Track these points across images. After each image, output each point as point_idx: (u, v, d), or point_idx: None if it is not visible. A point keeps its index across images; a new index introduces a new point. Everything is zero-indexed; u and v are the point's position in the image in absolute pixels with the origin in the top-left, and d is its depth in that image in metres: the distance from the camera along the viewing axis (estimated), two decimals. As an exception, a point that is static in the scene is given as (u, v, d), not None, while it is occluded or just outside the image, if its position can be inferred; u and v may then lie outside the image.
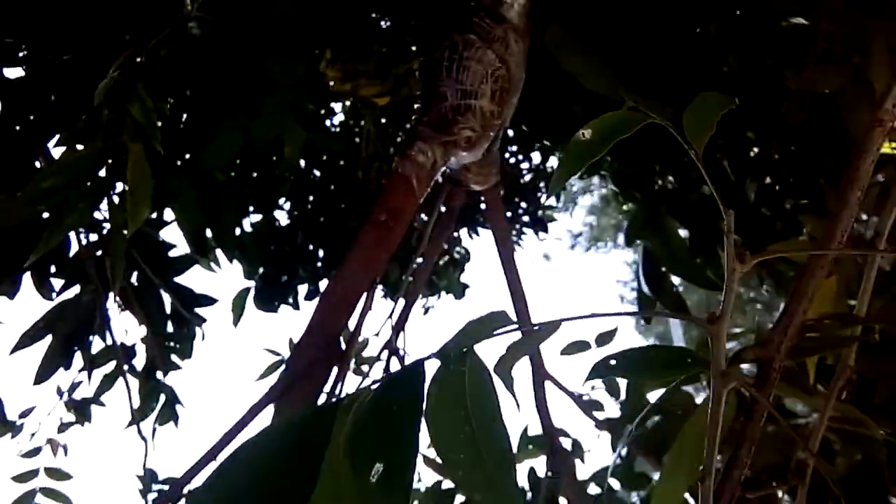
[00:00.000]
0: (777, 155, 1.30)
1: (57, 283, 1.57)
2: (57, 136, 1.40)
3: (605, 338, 1.39)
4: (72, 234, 1.54)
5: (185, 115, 1.35)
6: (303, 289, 2.46)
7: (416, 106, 0.97)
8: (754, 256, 0.51)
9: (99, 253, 1.51)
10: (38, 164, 1.48)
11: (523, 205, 2.69)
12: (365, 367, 1.35)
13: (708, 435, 0.51)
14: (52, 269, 1.56)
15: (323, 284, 2.45)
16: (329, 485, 0.49)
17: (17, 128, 1.34)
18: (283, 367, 1.83)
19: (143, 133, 1.12)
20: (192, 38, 1.21)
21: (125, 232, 1.09)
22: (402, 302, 1.29)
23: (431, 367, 0.52)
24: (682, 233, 1.27)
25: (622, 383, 1.43)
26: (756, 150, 1.30)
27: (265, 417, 0.85)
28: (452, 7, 0.96)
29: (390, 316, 1.21)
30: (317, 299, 2.52)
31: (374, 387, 0.50)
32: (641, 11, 1.11)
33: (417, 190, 0.91)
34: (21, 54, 1.34)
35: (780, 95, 1.24)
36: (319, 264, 2.41)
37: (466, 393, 0.52)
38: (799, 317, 0.56)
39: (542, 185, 3.00)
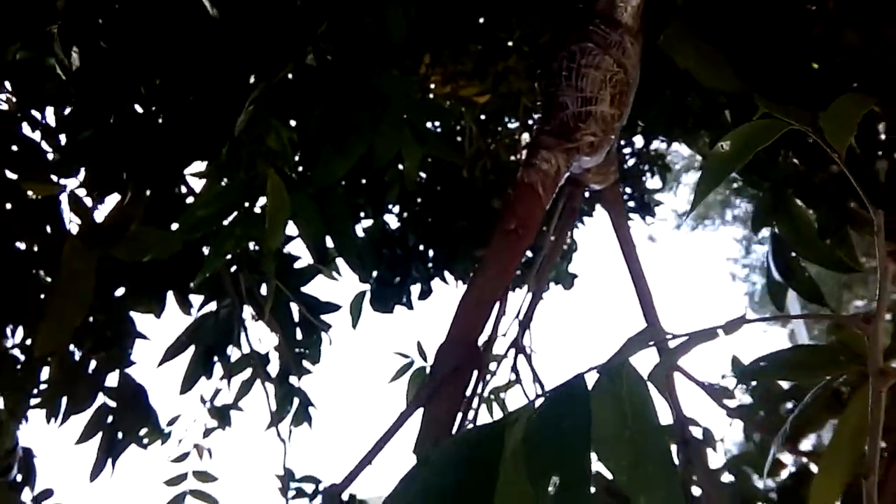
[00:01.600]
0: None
1: (196, 299, 1.69)
2: (194, 167, 1.52)
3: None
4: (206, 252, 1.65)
5: (308, 137, 1.42)
6: (415, 289, 2.53)
7: (536, 116, 0.99)
8: (909, 255, 0.51)
9: (234, 269, 1.62)
10: (177, 191, 1.60)
11: (628, 190, 2.68)
12: (492, 366, 1.39)
13: (870, 433, 0.52)
14: (191, 286, 1.67)
15: (435, 284, 2.52)
16: (504, 498, 0.52)
17: (158, 159, 1.45)
18: (412, 368, 1.90)
19: (276, 159, 1.20)
20: (313, 65, 1.28)
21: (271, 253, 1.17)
22: (526, 300, 1.32)
23: (590, 378, 0.55)
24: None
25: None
26: (884, 124, 1.25)
27: (415, 421, 0.90)
28: (567, 15, 0.98)
29: (517, 315, 1.24)
30: (429, 299, 2.59)
31: (538, 402, 0.53)
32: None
33: (543, 197, 0.93)
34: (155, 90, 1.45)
35: (906, 65, 1.20)
36: (430, 264, 2.47)
37: (625, 401, 0.54)
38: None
39: (645, 168, 2.97)
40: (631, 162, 2.77)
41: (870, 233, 1.17)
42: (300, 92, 1.31)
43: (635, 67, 0.96)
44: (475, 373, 0.94)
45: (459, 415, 0.92)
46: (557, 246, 1.28)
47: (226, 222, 1.12)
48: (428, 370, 1.86)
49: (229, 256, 1.63)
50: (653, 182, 2.95)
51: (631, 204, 2.75)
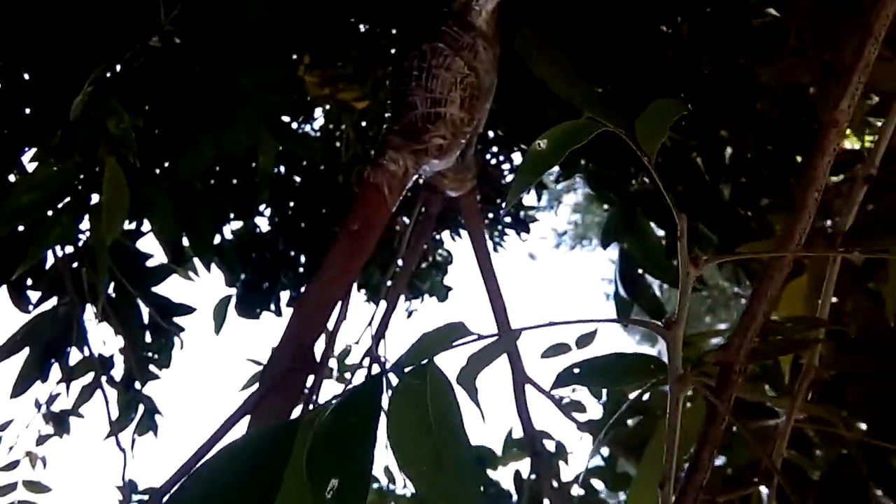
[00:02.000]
0: (751, 153, 1.31)
1: (33, 295, 1.56)
2: (31, 151, 1.40)
3: (584, 340, 1.39)
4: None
5: (158, 127, 1.35)
6: (285, 295, 2.46)
7: (386, 115, 0.97)
8: (708, 260, 0.51)
9: (75, 265, 1.51)
10: (11, 178, 1.48)
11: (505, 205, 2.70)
12: (348, 375, 1.35)
13: (667, 439, 0.52)
14: (29, 281, 1.55)
15: (303, 289, 2.45)
16: (290, 501, 0.49)
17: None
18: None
19: (118, 146, 1.12)
20: (164, 50, 1.21)
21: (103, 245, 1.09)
22: (382, 308, 1.29)
23: (396, 380, 0.53)
24: (659, 233, 1.27)
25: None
26: (730, 148, 1.30)
27: (241, 428, 0.85)
28: (422, 15, 0.96)
29: (370, 323, 1.21)
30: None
31: (334, 402, 0.50)
32: (611, 13, 1.12)
33: (389, 198, 0.91)
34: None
35: (754, 93, 1.25)
36: (301, 270, 2.40)
37: (428, 405, 0.52)
38: (759, 319, 0.56)
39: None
40: (509, 178, 2.80)
41: (711, 253, 1.21)
42: (150, 78, 1.23)
43: (488, 73, 0.95)
44: (310, 377, 0.90)
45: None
46: (414, 254, 1.25)
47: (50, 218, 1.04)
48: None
49: (71, 250, 1.52)
50: (529, 199, 2.99)
51: (507, 220, 2.77)
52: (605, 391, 1.51)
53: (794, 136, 1.18)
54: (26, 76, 1.33)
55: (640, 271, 1.20)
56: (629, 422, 1.46)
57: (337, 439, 0.46)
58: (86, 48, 1.28)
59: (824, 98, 1.09)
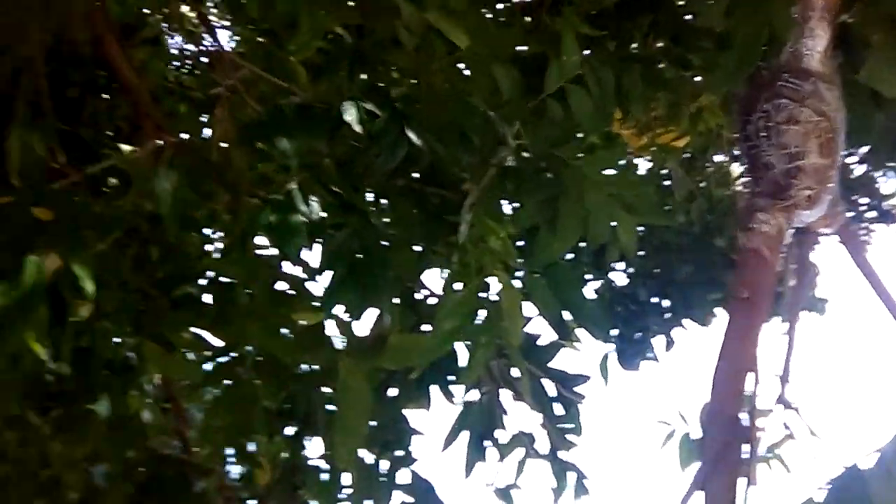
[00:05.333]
0: None
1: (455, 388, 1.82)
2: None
3: None
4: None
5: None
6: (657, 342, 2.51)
7: (743, 180, 1.01)
8: None
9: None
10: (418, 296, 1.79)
11: (864, 200, 2.49)
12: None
13: None
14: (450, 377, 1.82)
15: (675, 333, 2.48)
16: None
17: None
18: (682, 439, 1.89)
19: (501, 258, 1.31)
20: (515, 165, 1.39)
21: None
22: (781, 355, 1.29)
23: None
24: None
25: None
26: None
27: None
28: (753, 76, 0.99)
29: (782, 372, 1.21)
30: (674, 349, 2.53)
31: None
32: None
33: (770, 258, 0.93)
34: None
35: None
36: (668, 315, 2.44)
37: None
38: None
39: (875, 174, 2.76)
40: (859, 170, 2.59)
41: None
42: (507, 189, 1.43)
43: (838, 111, 0.95)
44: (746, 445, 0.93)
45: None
46: (799, 296, 1.24)
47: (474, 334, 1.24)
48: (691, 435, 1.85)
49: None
50: (887, 186, 2.73)
51: (873, 214, 2.55)
52: None
53: None
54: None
55: None
56: None
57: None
58: (453, 176, 1.52)
59: None
